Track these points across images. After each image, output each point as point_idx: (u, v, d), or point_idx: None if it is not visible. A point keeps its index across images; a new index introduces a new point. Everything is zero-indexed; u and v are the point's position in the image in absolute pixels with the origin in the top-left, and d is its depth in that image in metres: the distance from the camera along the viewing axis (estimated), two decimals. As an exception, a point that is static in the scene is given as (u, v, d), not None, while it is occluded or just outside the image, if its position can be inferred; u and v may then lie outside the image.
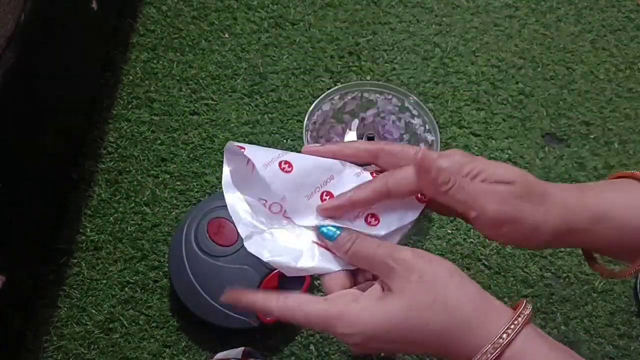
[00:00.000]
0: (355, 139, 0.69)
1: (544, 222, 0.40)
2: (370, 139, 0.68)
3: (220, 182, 0.70)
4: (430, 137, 0.67)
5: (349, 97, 0.69)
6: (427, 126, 0.68)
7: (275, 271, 0.61)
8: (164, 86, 0.77)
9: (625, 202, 0.41)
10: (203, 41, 0.81)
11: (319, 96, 0.67)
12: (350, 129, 0.71)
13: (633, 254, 0.42)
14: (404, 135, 0.70)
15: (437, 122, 0.72)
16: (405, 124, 0.69)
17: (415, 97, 0.68)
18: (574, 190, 0.42)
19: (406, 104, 0.68)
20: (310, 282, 0.62)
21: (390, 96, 0.69)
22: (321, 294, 0.64)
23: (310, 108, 0.67)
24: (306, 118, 0.66)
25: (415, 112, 0.68)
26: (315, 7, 0.85)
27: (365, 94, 0.69)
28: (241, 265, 0.61)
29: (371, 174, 0.44)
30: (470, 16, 0.86)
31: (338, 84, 0.76)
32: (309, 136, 0.66)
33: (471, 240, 0.69)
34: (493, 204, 0.39)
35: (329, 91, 0.67)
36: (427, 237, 0.69)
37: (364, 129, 0.70)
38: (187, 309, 0.61)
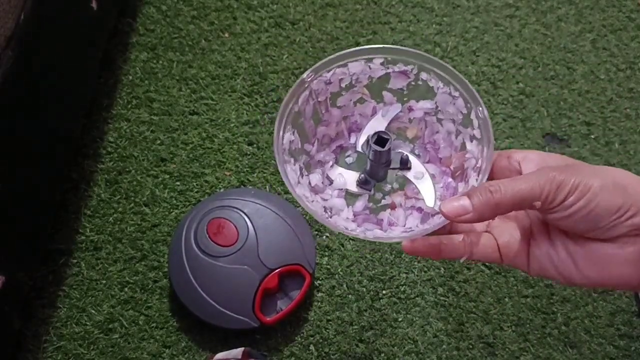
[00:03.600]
0: (383, 128, 0.46)
1: None
2: (380, 141, 0.43)
3: (220, 183, 0.71)
4: (472, 181, 0.42)
5: (397, 69, 0.46)
6: (479, 163, 0.43)
7: (276, 271, 0.61)
8: (163, 86, 0.77)
9: None
10: (203, 41, 0.81)
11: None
12: (382, 115, 0.47)
13: None
14: (452, 159, 0.47)
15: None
16: (461, 145, 0.45)
17: (486, 111, 0.43)
18: None
19: (472, 116, 0.44)
20: (310, 282, 0.62)
21: (457, 93, 0.44)
22: (321, 294, 0.64)
23: (330, 57, 0.44)
24: (310, 70, 0.44)
25: (477, 134, 0.43)
26: (315, 7, 0.85)
27: (424, 75, 0.45)
28: (241, 265, 0.61)
29: None
30: (470, 16, 0.86)
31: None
32: (306, 106, 0.44)
33: (471, 240, 0.69)
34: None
35: (366, 47, 0.45)
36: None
37: (391, 123, 0.48)
38: (187, 310, 0.61)
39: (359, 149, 0.47)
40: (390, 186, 0.46)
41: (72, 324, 0.62)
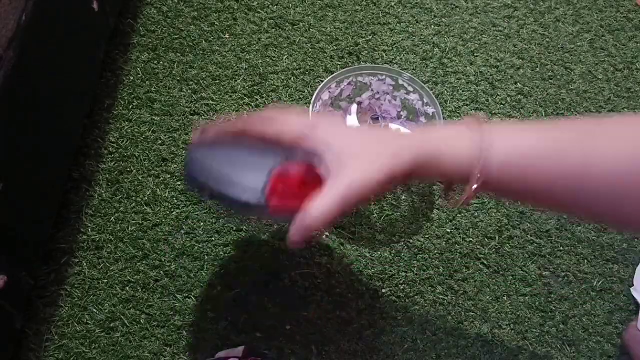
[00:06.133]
0: (357, 123, 0.72)
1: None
2: (376, 119, 0.73)
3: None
4: (430, 110, 0.69)
5: (345, 84, 0.71)
6: (425, 100, 0.69)
7: (301, 163, 0.49)
8: (164, 87, 0.77)
9: (448, 148, 0.45)
10: (203, 42, 0.81)
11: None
12: (349, 114, 0.73)
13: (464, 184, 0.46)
14: (402, 112, 0.73)
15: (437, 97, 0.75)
16: (402, 101, 0.72)
17: (408, 74, 0.70)
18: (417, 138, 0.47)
19: (400, 82, 0.71)
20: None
21: (383, 77, 0.71)
22: (321, 293, 0.65)
23: (312, 99, 0.68)
24: (310, 110, 0.67)
25: (410, 89, 0.71)
26: (315, 8, 0.85)
27: (360, 78, 0.71)
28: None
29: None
30: (469, 17, 0.87)
31: (338, 84, 0.77)
32: None
33: (470, 239, 0.69)
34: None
35: (326, 80, 0.70)
36: (427, 237, 0.69)
37: (362, 112, 0.73)
38: (195, 181, 0.51)
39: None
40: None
41: (73, 323, 0.62)
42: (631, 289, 0.67)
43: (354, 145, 0.46)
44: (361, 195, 0.44)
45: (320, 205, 0.44)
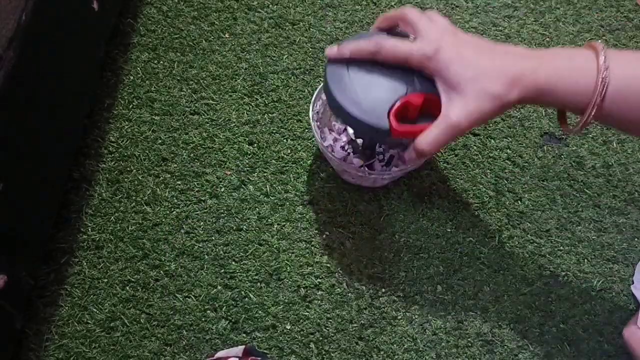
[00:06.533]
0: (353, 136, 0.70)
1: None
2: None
3: (221, 182, 0.71)
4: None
5: None
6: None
7: (426, 94, 0.56)
8: (164, 86, 0.77)
9: (567, 75, 0.49)
10: (203, 41, 0.81)
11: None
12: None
13: (579, 112, 0.50)
14: None
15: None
16: None
17: None
18: (531, 60, 0.51)
19: None
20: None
21: None
22: (321, 292, 0.65)
23: (312, 98, 0.68)
24: (310, 109, 0.67)
25: None
26: (315, 8, 0.85)
27: None
28: (399, 70, 0.57)
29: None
30: (469, 16, 0.87)
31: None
32: (315, 126, 0.67)
33: (470, 239, 0.69)
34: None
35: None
36: (426, 236, 0.69)
37: None
38: (332, 95, 0.57)
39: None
40: None
41: (73, 323, 0.62)
42: (631, 287, 0.67)
43: (469, 69, 0.51)
44: (469, 125, 0.51)
45: (430, 137, 0.53)
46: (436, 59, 0.52)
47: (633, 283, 0.68)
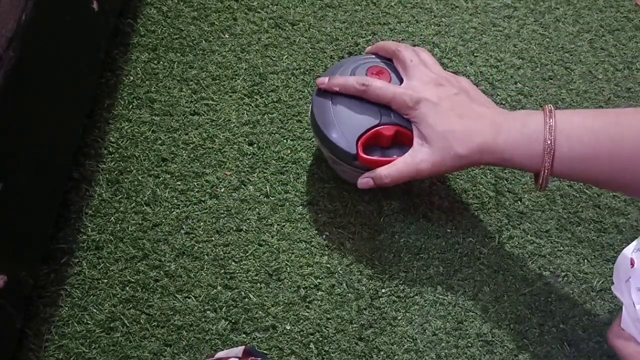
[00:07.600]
0: None
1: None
2: None
3: (221, 182, 0.71)
4: None
5: None
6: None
7: (396, 127, 0.62)
8: (164, 86, 0.77)
9: (521, 142, 0.55)
10: (203, 42, 0.81)
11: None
12: None
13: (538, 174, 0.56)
14: None
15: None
16: None
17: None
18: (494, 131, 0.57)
19: None
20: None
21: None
22: (320, 293, 0.65)
23: (312, 98, 0.68)
24: (310, 109, 0.67)
25: None
26: (315, 8, 0.86)
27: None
28: (373, 105, 0.63)
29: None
30: (469, 16, 0.87)
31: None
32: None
33: (470, 239, 0.69)
34: None
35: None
36: (426, 236, 0.69)
37: None
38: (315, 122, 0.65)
39: None
40: None
41: (73, 323, 0.62)
42: (612, 287, 0.67)
43: (442, 126, 0.57)
44: (430, 174, 0.59)
45: (393, 170, 0.59)
46: (415, 109, 0.59)
47: (613, 284, 0.67)
